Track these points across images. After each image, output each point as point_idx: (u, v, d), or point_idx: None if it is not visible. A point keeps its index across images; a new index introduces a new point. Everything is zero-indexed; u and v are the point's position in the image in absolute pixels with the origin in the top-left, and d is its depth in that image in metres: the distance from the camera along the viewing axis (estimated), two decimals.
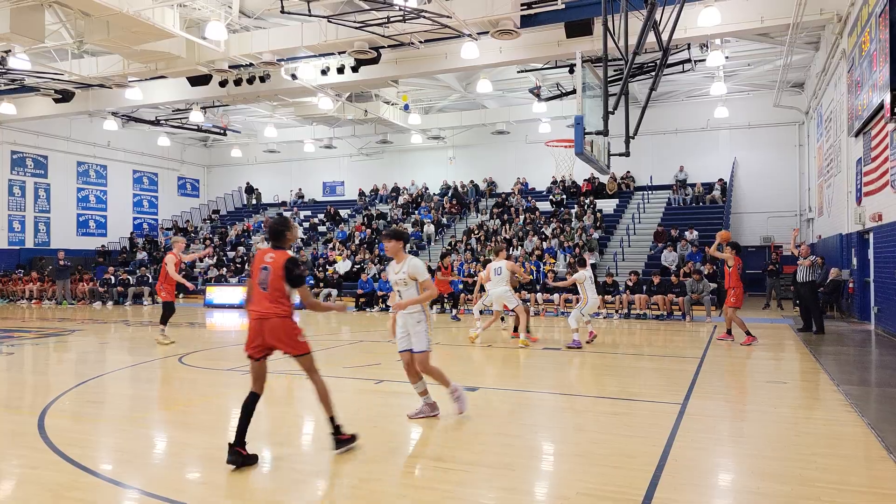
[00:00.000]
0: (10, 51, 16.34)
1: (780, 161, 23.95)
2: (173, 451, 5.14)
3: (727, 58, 18.57)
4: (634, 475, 4.30)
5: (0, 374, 8.50)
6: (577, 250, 19.91)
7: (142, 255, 26.42)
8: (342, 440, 4.80)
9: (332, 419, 4.82)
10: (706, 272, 16.59)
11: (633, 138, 11.65)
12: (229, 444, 4.50)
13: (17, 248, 25.80)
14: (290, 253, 4.75)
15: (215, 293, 21.41)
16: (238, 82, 18.47)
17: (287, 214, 29.95)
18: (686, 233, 20.30)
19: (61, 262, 22.06)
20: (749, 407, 6.57)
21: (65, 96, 20.74)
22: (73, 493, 4.07)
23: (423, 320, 5.46)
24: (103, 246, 28.03)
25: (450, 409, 5.84)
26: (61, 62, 18.17)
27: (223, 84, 18.50)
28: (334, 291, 20.37)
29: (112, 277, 22.39)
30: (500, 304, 10.99)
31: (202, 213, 32.58)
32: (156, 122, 26.07)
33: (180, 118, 25.49)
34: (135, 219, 30.82)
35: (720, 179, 23.77)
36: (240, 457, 4.49)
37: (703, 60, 18.05)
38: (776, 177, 23.91)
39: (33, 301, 22.25)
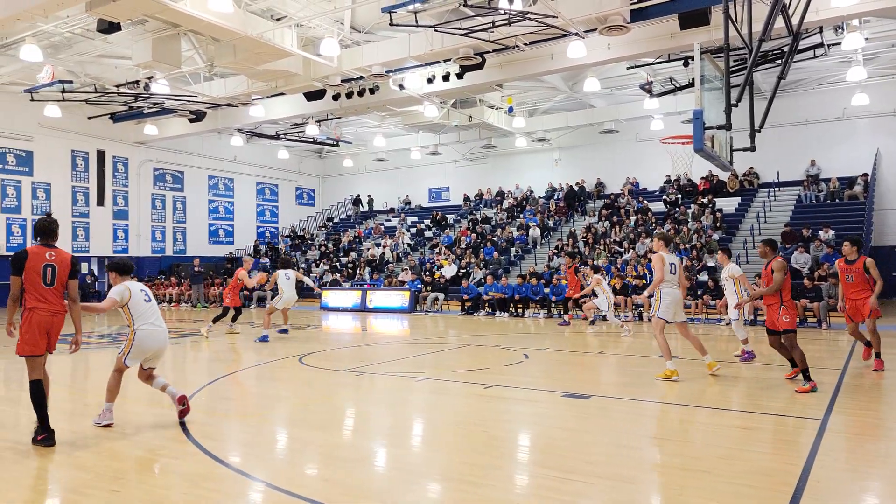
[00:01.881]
0: (152, 77, 18.23)
1: None
2: (295, 447, 5.40)
3: (867, 39, 16.75)
4: (771, 495, 3.94)
5: None
6: (695, 252, 18.82)
7: (265, 261, 28.29)
8: (40, 439, 5.09)
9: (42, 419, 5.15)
10: None
11: (758, 131, 10.79)
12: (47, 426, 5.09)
13: (159, 255, 28.60)
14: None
15: (330, 297, 22.51)
16: (349, 95, 19.33)
17: (395, 221, 30.87)
18: (820, 232, 18.52)
19: (196, 269, 24.19)
20: None
21: (198, 116, 22.74)
22: (207, 482, 4.37)
23: (127, 336, 5.76)
24: (231, 253, 30.34)
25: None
26: (195, 85, 20.00)
27: (336, 97, 19.44)
28: (441, 295, 20.67)
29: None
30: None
31: (317, 220, 34.41)
32: (276, 137, 27.91)
33: (298, 132, 27.10)
34: (258, 227, 33.14)
35: (864, 174, 21.44)
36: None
37: (839, 44, 16.39)
38: None
39: (172, 304, 24.50)
